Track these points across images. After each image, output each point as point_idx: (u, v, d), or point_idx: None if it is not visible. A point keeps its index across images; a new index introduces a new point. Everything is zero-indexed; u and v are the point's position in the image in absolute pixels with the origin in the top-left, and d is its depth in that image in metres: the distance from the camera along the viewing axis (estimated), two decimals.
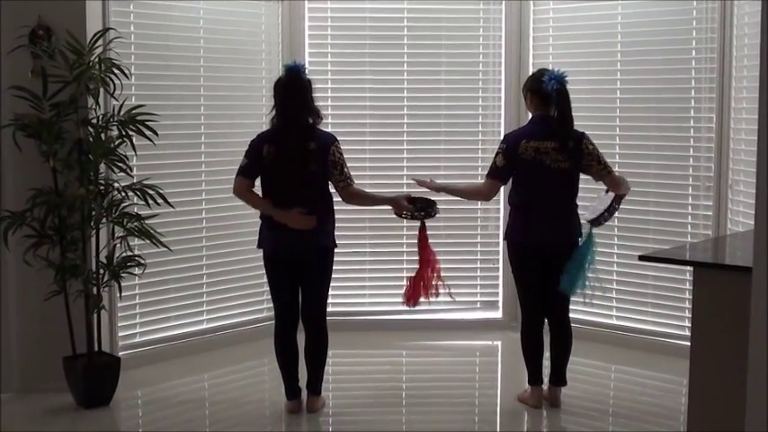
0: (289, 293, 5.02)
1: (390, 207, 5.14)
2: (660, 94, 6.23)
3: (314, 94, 4.92)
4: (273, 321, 5.08)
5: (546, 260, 5.03)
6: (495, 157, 5.06)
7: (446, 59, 6.80)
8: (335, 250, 5.04)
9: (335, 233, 5.03)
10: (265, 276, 5.10)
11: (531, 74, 5.38)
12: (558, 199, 5.00)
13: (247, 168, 4.88)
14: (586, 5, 6.51)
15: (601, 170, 5.02)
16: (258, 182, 4.94)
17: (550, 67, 5.04)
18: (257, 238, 5.02)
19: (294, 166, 4.79)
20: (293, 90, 4.83)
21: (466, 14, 6.81)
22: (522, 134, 5.02)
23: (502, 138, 5.14)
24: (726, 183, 5.90)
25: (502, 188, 5.25)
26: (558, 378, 5.19)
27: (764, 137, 2.61)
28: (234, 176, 4.89)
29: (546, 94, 4.93)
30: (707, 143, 6.03)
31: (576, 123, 5.12)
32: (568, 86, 4.94)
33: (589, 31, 6.52)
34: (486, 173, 5.15)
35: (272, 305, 5.14)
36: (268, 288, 5.11)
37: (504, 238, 5.21)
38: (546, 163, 4.91)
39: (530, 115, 5.17)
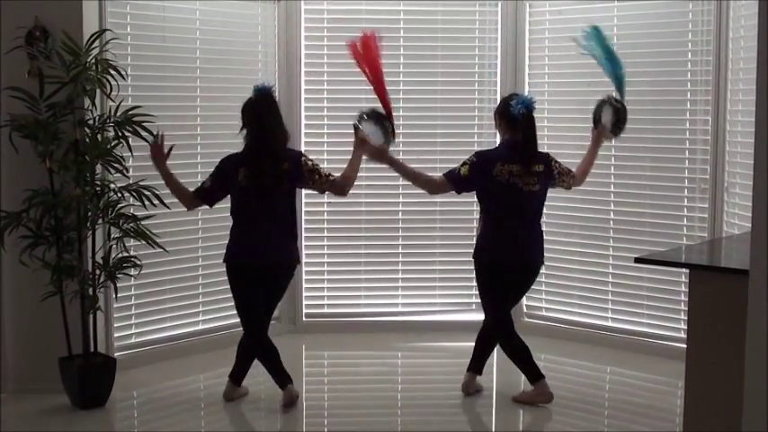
0: (257, 304, 5.13)
1: (361, 152, 5.22)
2: (656, 95, 6.24)
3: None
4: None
5: (509, 278, 5.18)
6: (461, 166, 5.14)
7: (442, 60, 6.81)
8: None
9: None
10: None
11: (502, 98, 5.47)
12: (528, 220, 5.17)
13: (208, 192, 5.08)
14: (582, 7, 6.52)
15: (570, 180, 5.32)
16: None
17: (527, 90, 5.16)
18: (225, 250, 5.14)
19: (271, 186, 4.95)
20: (268, 108, 5.02)
21: (462, 15, 6.81)
22: (498, 157, 5.11)
23: (475, 152, 5.22)
24: (721, 185, 5.91)
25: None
26: (478, 367, 5.36)
27: (763, 138, 2.62)
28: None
29: (513, 117, 5.07)
30: (702, 145, 6.03)
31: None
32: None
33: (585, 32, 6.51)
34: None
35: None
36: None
37: (474, 257, 5.25)
38: (519, 186, 5.05)
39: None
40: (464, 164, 5.12)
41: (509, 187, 5.03)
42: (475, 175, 5.08)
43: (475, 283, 5.39)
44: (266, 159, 4.93)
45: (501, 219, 5.11)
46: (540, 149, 5.22)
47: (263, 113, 4.97)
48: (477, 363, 5.38)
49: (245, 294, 5.09)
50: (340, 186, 5.17)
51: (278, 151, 4.99)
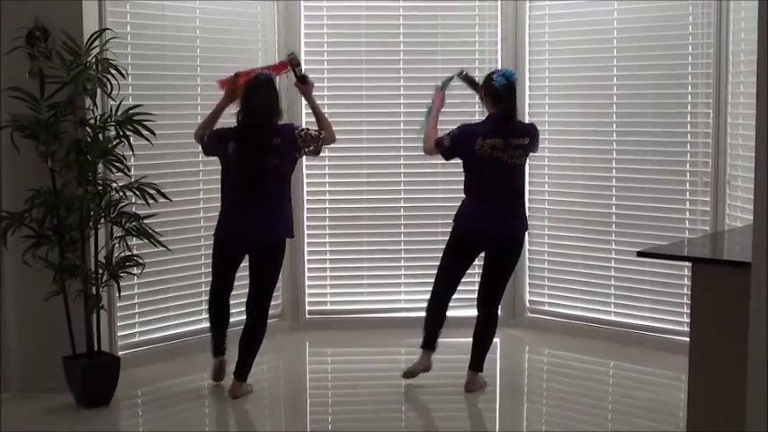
0: (231, 279, 5.42)
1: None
2: (657, 90, 6.24)
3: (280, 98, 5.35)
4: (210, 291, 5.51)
5: (485, 250, 5.26)
6: (445, 136, 5.28)
7: (442, 58, 6.78)
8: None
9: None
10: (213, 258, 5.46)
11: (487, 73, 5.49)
12: (512, 192, 5.22)
13: (205, 138, 5.33)
14: (582, 4, 6.52)
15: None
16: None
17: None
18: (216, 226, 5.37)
19: (257, 162, 5.08)
20: (260, 89, 5.16)
21: (462, 12, 6.81)
22: (479, 131, 5.18)
23: (459, 125, 5.32)
24: (723, 178, 5.90)
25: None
26: (477, 364, 5.34)
27: (763, 131, 2.62)
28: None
29: (495, 90, 5.16)
30: (704, 138, 6.03)
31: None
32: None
33: (585, 29, 6.52)
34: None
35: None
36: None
37: (453, 221, 5.33)
38: (503, 159, 5.12)
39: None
40: (448, 134, 5.26)
41: (492, 162, 5.10)
42: (456, 148, 5.22)
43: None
44: (253, 136, 5.08)
45: (487, 191, 5.18)
46: (531, 129, 5.35)
47: (260, 93, 5.13)
48: (475, 359, 5.38)
49: (220, 270, 5.39)
50: (330, 138, 5.39)
51: (265, 129, 5.12)
